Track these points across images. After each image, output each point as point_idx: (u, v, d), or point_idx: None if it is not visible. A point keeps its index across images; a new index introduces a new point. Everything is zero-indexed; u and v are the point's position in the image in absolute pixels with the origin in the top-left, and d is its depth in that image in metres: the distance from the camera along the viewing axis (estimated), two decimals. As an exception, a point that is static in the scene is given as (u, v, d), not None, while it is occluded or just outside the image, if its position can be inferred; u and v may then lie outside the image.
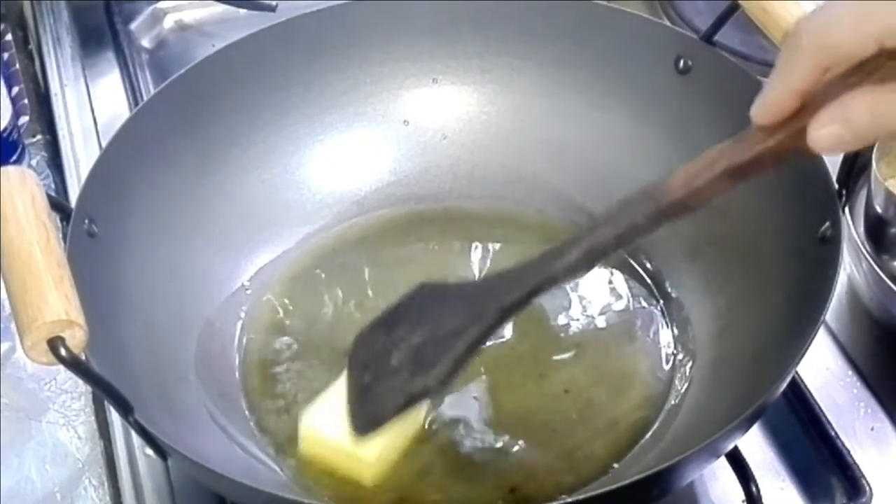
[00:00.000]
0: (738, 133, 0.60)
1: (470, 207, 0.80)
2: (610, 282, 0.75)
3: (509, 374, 0.70)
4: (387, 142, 0.82)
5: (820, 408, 0.69)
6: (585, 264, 0.55)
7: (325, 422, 0.64)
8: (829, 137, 0.46)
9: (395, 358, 0.59)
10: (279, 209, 0.78)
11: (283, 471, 0.65)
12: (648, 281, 0.75)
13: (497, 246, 0.78)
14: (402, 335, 0.59)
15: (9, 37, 1.00)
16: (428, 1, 0.79)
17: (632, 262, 0.76)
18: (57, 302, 0.52)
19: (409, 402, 0.58)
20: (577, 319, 0.73)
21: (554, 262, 0.55)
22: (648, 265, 0.76)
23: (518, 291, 0.56)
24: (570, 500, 0.53)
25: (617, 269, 0.76)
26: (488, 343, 0.71)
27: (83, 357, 0.53)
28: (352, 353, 0.62)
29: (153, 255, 0.70)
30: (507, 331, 0.72)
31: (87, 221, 0.63)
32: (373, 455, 0.63)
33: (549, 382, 0.70)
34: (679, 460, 0.54)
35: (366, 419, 0.60)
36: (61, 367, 0.52)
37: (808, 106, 0.47)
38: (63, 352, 0.51)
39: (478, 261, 0.77)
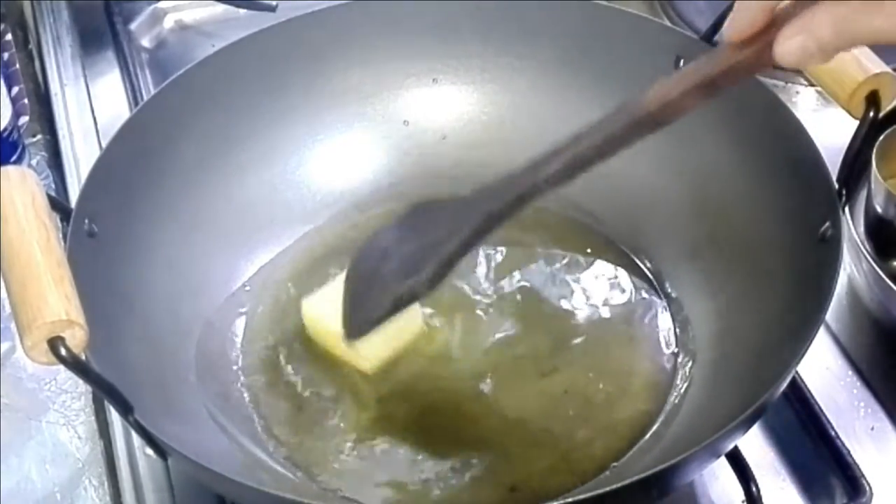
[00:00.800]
0: (738, 130, 0.60)
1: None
2: (610, 281, 0.75)
3: (509, 375, 0.70)
4: (387, 142, 0.82)
5: (820, 408, 0.69)
6: (566, 175, 0.57)
7: (325, 312, 0.69)
8: (794, 49, 0.48)
9: (386, 268, 0.61)
10: (279, 209, 0.78)
11: (282, 456, 0.66)
12: (648, 281, 0.75)
13: (497, 245, 0.78)
14: (395, 248, 0.62)
15: (9, 37, 1.00)
16: (428, 1, 0.79)
17: (632, 261, 0.76)
18: (57, 302, 0.52)
19: (398, 304, 0.61)
20: (577, 320, 0.73)
21: (537, 173, 0.57)
22: (648, 265, 0.76)
23: (504, 199, 0.58)
24: (570, 500, 0.53)
25: (617, 268, 0.76)
26: (488, 342, 0.72)
27: (83, 357, 0.53)
28: (349, 269, 0.64)
29: (153, 256, 0.70)
30: (508, 331, 0.72)
31: (87, 221, 0.63)
32: (368, 348, 0.68)
33: (548, 383, 0.70)
34: (679, 460, 0.54)
35: (357, 324, 0.63)
36: (61, 367, 0.52)
37: (776, 21, 0.49)
38: (63, 352, 0.51)
39: (478, 260, 0.77)
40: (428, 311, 0.73)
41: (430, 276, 0.59)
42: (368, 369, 0.70)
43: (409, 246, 0.61)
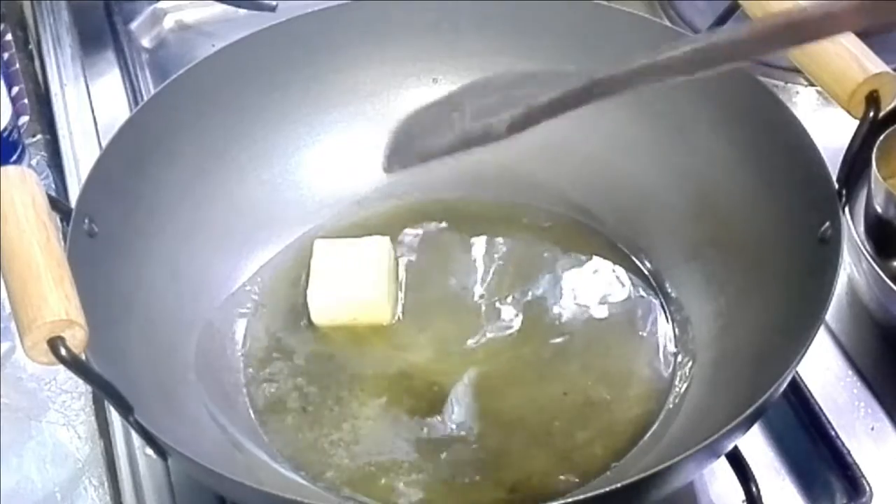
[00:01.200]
0: (738, 130, 0.59)
1: (470, 207, 0.80)
2: (609, 282, 0.75)
3: (509, 376, 0.70)
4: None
5: (820, 408, 0.69)
6: (690, 66, 0.51)
7: (328, 292, 0.73)
8: None
9: (457, 111, 0.54)
10: (279, 209, 0.78)
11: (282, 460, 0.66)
12: (648, 281, 0.75)
13: (498, 245, 0.78)
14: (474, 98, 0.54)
15: (9, 37, 1.00)
16: (428, 1, 0.79)
17: (632, 261, 0.76)
18: (57, 302, 0.52)
19: (463, 142, 0.53)
20: (577, 320, 0.73)
21: (658, 55, 0.51)
22: (648, 265, 0.76)
23: (615, 70, 0.52)
24: (570, 500, 0.53)
25: (617, 268, 0.76)
26: (488, 343, 0.72)
27: (83, 357, 0.53)
28: (399, 124, 0.57)
29: (153, 255, 0.70)
30: (508, 332, 0.72)
31: (87, 221, 0.63)
32: (327, 307, 0.72)
33: (548, 384, 0.70)
34: (679, 460, 0.54)
35: (402, 153, 0.56)
36: (61, 367, 0.52)
37: None
38: (63, 352, 0.51)
39: (479, 260, 0.77)
40: (427, 311, 0.74)
41: (513, 118, 0.52)
42: (314, 318, 0.73)
43: (492, 96, 0.54)
